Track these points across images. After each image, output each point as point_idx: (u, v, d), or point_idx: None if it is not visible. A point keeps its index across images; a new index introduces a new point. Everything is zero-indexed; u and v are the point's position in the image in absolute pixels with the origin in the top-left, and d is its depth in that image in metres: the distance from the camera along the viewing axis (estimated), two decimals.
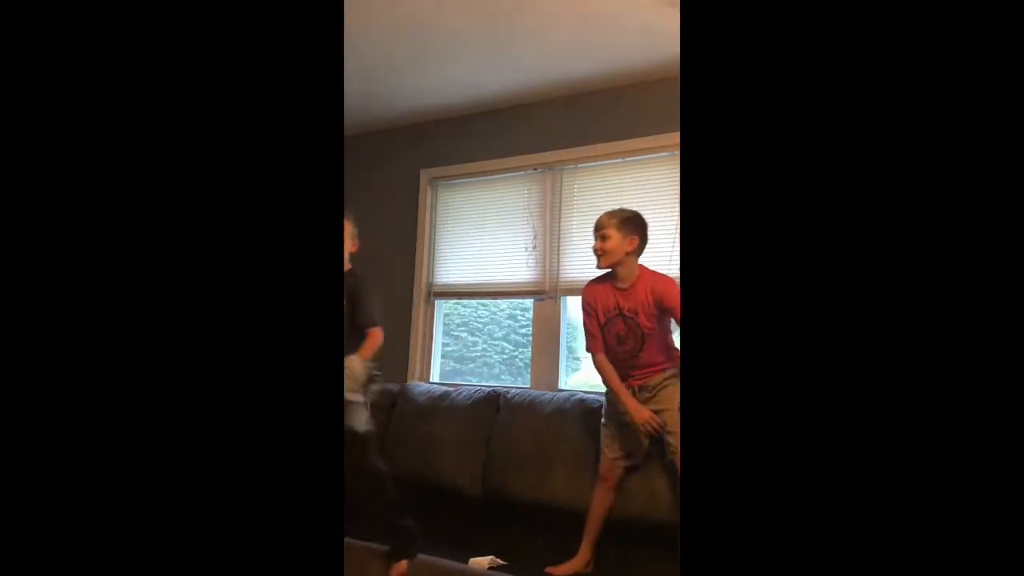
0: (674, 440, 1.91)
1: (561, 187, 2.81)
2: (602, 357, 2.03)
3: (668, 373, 1.96)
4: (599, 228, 1.99)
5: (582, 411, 2.37)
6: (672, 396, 1.93)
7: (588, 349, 2.08)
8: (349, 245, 2.02)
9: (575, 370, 2.99)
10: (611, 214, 2.01)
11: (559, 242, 2.78)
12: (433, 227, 3.13)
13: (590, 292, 2.07)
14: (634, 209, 2.03)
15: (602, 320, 2.01)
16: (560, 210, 2.80)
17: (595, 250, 1.99)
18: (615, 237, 1.96)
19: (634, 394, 1.97)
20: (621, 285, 1.99)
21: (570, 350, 2.87)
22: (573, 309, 2.83)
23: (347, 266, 2.00)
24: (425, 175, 3.13)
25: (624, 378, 1.99)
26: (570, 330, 2.85)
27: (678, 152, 2.55)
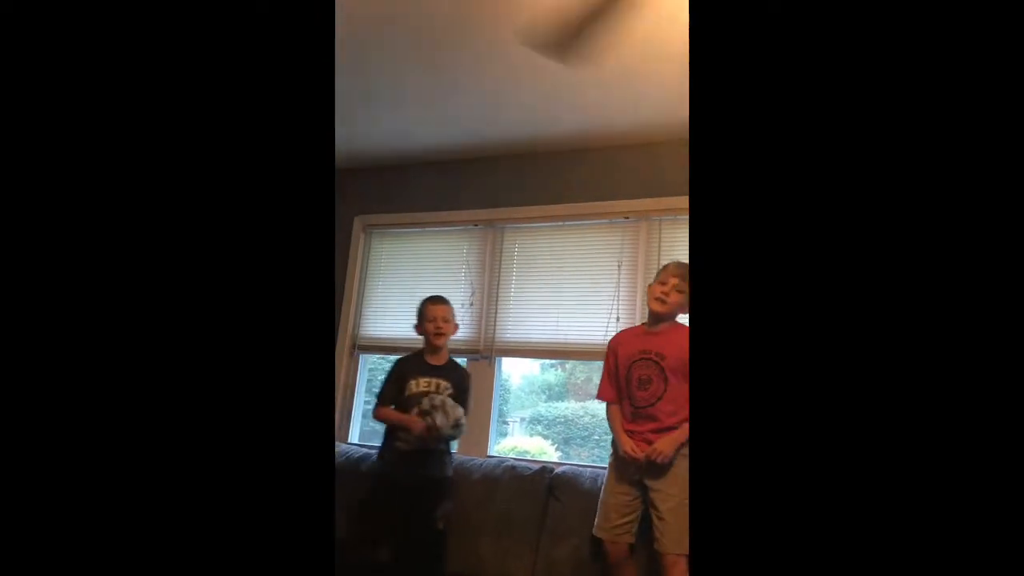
0: (663, 528, 1.77)
1: (502, 245, 2.76)
2: (614, 408, 1.96)
3: (684, 447, 1.82)
4: (677, 277, 1.90)
5: (512, 479, 2.25)
6: (674, 474, 1.79)
7: (598, 396, 2.03)
8: (452, 329, 2.15)
9: (503, 435, 2.86)
10: (685, 268, 1.91)
11: (497, 301, 2.71)
12: (363, 276, 2.97)
13: (617, 338, 2.04)
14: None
15: (623, 367, 1.94)
16: (500, 268, 2.74)
17: (659, 296, 1.91)
18: (686, 294, 1.90)
19: (650, 464, 1.82)
20: (652, 330, 1.95)
21: (500, 414, 2.75)
22: (508, 370, 2.73)
23: (445, 351, 2.16)
24: (360, 222, 3.00)
25: (638, 434, 1.86)
26: (503, 393, 2.73)
27: (619, 219, 2.59)
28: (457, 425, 2.00)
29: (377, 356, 2.99)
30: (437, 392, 2.09)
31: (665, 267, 1.97)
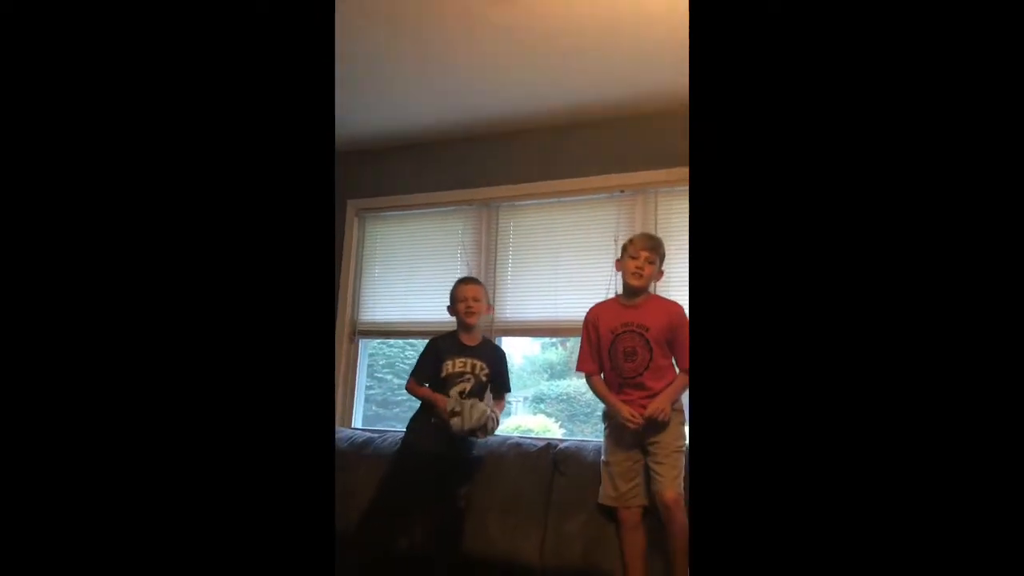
0: (662, 471, 1.87)
1: (497, 224, 2.74)
2: (597, 379, 2.02)
3: (675, 403, 1.95)
4: (646, 249, 1.96)
5: (518, 456, 2.26)
6: (670, 428, 1.91)
7: (578, 369, 2.06)
8: (483, 308, 2.18)
9: (507, 414, 2.87)
10: (653, 240, 2.02)
11: (494, 280, 2.70)
12: (359, 261, 2.96)
13: (593, 311, 2.07)
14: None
15: (606, 340, 1.99)
16: (496, 248, 2.72)
17: (634, 271, 1.96)
18: (656, 265, 1.99)
19: (650, 424, 1.90)
20: (630, 303, 2.00)
21: None
22: (509, 351, 2.73)
23: (478, 331, 2.18)
24: (352, 206, 2.97)
25: (630, 403, 1.93)
26: None
27: (616, 193, 2.57)
28: (477, 430, 2.01)
29: (378, 341, 2.99)
30: (473, 373, 2.12)
31: (631, 241, 2.02)
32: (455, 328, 2.20)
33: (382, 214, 2.97)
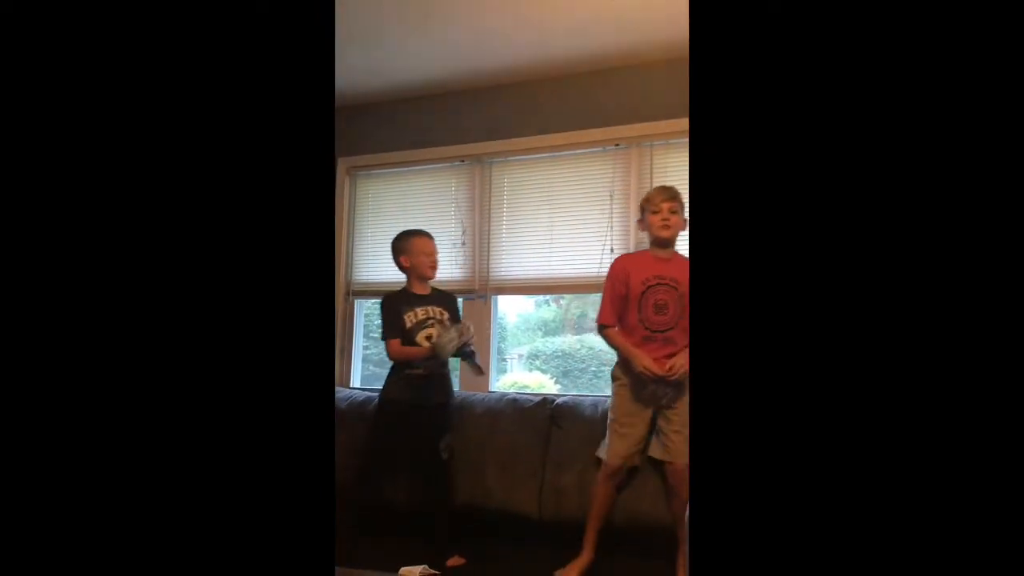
0: (677, 440, 1.88)
1: (491, 180, 2.71)
2: (614, 331, 1.98)
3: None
4: (667, 201, 1.92)
5: (515, 411, 2.29)
6: (686, 394, 1.91)
7: (600, 321, 1.99)
8: (437, 264, 2.21)
9: (502, 371, 2.90)
10: (670, 191, 1.96)
11: (489, 238, 2.68)
12: (352, 220, 2.92)
13: (622, 261, 2.03)
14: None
15: (636, 291, 1.94)
16: (490, 204, 2.70)
17: (661, 223, 1.92)
18: (679, 214, 1.95)
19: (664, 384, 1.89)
20: (663, 256, 1.97)
21: (498, 351, 2.78)
22: (504, 308, 2.74)
23: (426, 283, 2.21)
24: (344, 164, 2.92)
25: (656, 360, 1.88)
26: (500, 331, 2.75)
27: (611, 147, 2.54)
28: (465, 343, 2.06)
29: (372, 300, 2.98)
30: (433, 318, 2.17)
31: (647, 198, 1.98)
32: (405, 284, 2.23)
33: (373, 172, 2.93)
